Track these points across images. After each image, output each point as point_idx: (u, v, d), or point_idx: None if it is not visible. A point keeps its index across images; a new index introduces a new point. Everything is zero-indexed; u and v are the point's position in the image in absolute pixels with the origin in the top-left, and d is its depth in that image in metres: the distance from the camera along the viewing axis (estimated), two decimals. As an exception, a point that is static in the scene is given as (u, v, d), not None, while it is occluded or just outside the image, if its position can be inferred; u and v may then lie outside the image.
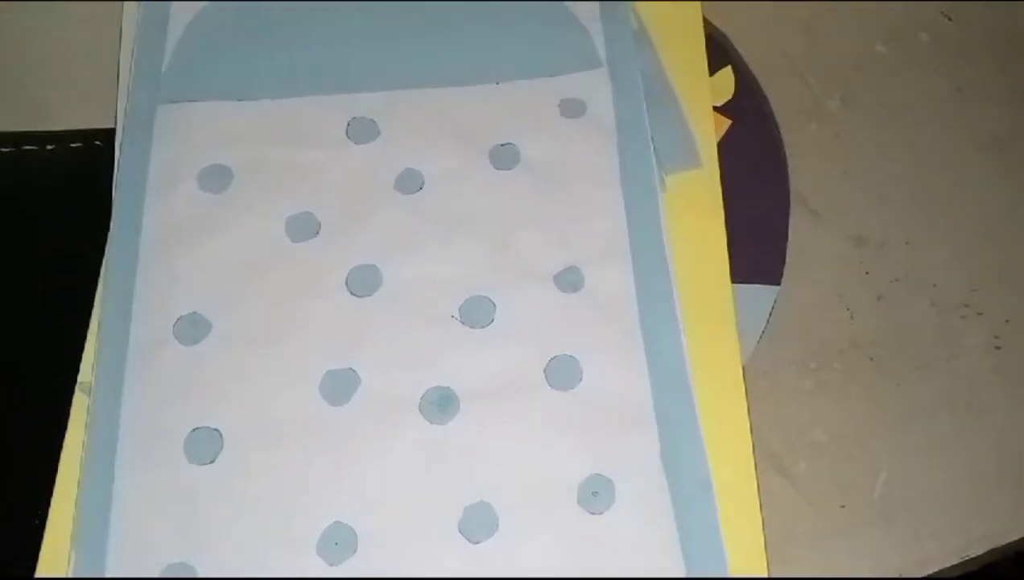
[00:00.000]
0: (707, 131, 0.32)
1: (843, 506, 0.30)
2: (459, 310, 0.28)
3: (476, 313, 0.28)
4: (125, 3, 0.33)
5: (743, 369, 0.29)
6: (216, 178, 0.30)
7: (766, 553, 0.26)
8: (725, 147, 0.32)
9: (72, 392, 0.27)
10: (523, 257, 0.29)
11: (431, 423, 0.27)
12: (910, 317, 0.33)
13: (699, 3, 0.34)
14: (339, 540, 0.25)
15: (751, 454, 0.27)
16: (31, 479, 0.26)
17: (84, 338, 0.28)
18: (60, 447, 0.27)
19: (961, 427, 0.32)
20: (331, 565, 0.25)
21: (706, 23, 0.34)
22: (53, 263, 0.30)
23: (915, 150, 0.37)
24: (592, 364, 0.28)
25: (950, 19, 0.39)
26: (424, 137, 0.31)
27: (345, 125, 0.31)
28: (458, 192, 0.30)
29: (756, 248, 0.31)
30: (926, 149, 0.37)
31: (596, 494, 0.26)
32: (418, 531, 0.26)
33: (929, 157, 0.36)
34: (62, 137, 0.32)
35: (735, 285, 0.29)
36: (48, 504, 0.26)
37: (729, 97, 0.34)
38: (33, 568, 0.25)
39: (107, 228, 0.29)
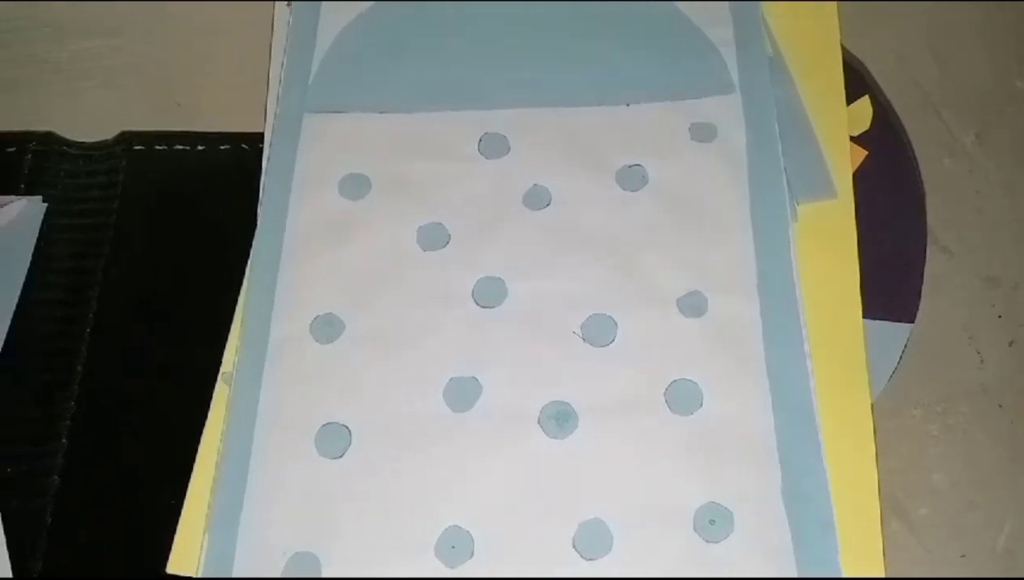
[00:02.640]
0: (842, 161, 0.31)
1: (963, 556, 0.29)
2: (581, 327, 0.29)
3: (598, 331, 0.29)
4: (275, 11, 0.35)
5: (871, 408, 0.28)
6: (355, 186, 0.31)
7: (886, 598, 0.25)
8: (860, 178, 0.31)
9: (213, 381, 0.29)
10: (647, 279, 0.30)
11: (549, 437, 0.27)
12: (1043, 364, 0.32)
13: (838, 31, 0.33)
14: (456, 543, 0.26)
15: (877, 498, 0.26)
16: (172, 461, 0.28)
17: (228, 331, 0.29)
18: (200, 434, 0.28)
19: (1095, 484, 0.30)
20: (449, 567, 0.26)
21: (844, 51, 0.33)
22: (200, 259, 0.32)
23: (1053, 190, 0.35)
24: (713, 391, 0.28)
25: (1097, 55, 0.38)
26: (553, 155, 0.32)
27: (477, 140, 0.32)
28: (584, 211, 0.31)
29: (890, 283, 0.31)
30: (1065, 190, 0.35)
31: (713, 522, 0.26)
32: (533, 542, 0.26)
33: (1069, 199, 0.35)
34: (212, 139, 0.34)
35: (867, 321, 0.29)
36: (186, 486, 0.27)
37: (866, 128, 0.33)
38: (168, 548, 0.27)
39: (252, 228, 0.31)
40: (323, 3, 0.34)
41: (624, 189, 0.31)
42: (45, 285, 0.31)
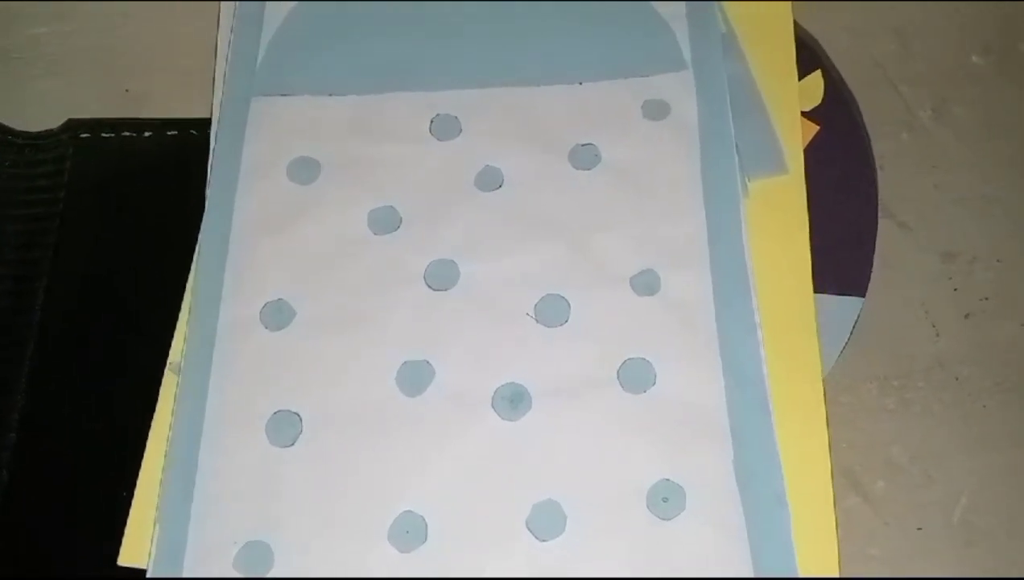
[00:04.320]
0: (794, 137, 0.31)
1: (920, 528, 0.29)
2: (534, 308, 0.29)
3: (551, 312, 0.29)
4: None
5: (823, 382, 0.28)
6: (304, 170, 0.31)
7: (839, 572, 0.25)
8: (812, 154, 0.31)
9: (162, 371, 0.28)
10: (600, 258, 0.29)
11: (502, 419, 0.27)
12: (998, 337, 0.32)
13: (790, 5, 0.33)
14: (410, 529, 0.26)
15: (829, 470, 0.26)
16: (121, 452, 0.27)
17: (176, 319, 0.29)
18: (149, 424, 0.28)
19: (1051, 454, 0.30)
20: (402, 552, 0.26)
21: (796, 26, 0.33)
22: (148, 247, 0.31)
23: (1009, 165, 0.35)
24: (666, 368, 0.28)
25: (1054, 29, 0.38)
26: (505, 135, 0.31)
27: (429, 122, 0.32)
28: (537, 191, 0.31)
29: (841, 258, 0.31)
30: (1021, 164, 0.35)
31: (666, 500, 0.26)
32: (487, 525, 0.26)
33: (1023, 173, 0.35)
34: (159, 125, 0.34)
35: (818, 295, 0.29)
36: (136, 477, 0.27)
37: (818, 103, 0.33)
38: (120, 539, 0.26)
39: (200, 214, 0.30)
40: (271, -13, 0.34)
41: (576, 168, 0.31)
42: (-10, 277, 0.31)
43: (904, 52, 0.37)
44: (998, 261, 0.33)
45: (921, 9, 0.38)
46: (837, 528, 0.26)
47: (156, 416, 0.28)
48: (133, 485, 0.27)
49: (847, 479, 0.30)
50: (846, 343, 0.30)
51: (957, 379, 0.31)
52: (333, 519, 0.26)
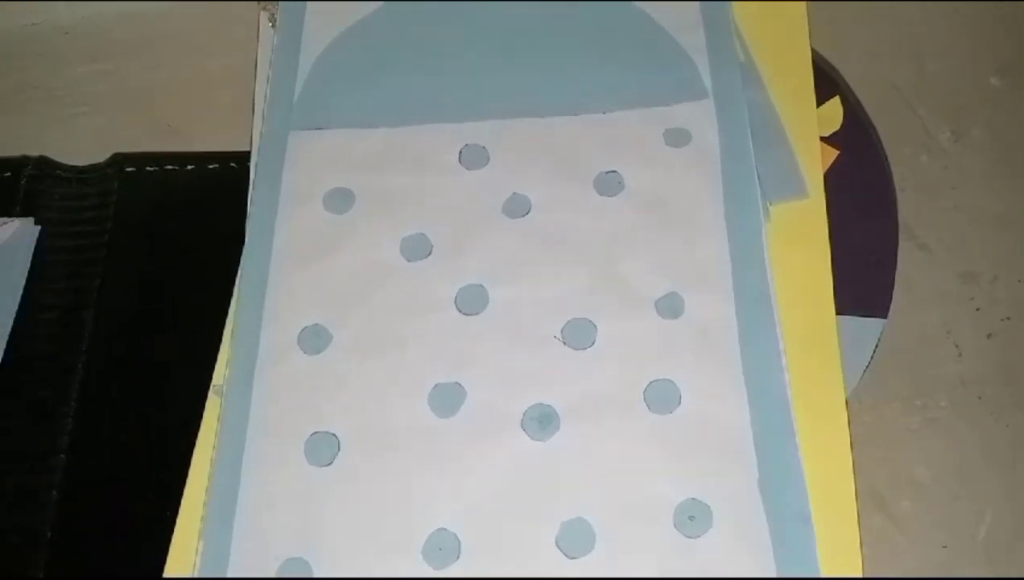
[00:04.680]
0: (814, 162, 0.32)
1: (945, 547, 0.30)
2: (561, 331, 0.30)
3: (578, 335, 0.29)
4: (260, 32, 0.36)
5: (847, 402, 0.28)
6: (339, 200, 0.32)
7: (865, 589, 0.26)
8: (832, 178, 0.32)
9: (206, 394, 0.30)
10: (625, 282, 0.30)
11: (532, 439, 0.28)
12: (1020, 356, 0.32)
13: (807, 34, 0.34)
14: (443, 546, 0.27)
15: (853, 489, 0.27)
16: (166, 473, 0.29)
17: (219, 344, 0.30)
18: (193, 445, 0.29)
19: (1075, 472, 0.30)
20: (436, 569, 0.26)
21: (814, 53, 0.34)
22: (191, 276, 0.33)
23: (1029, 185, 0.36)
24: (690, 389, 0.28)
25: (1070, 50, 0.38)
26: (532, 164, 0.32)
27: (458, 152, 0.33)
28: (563, 217, 0.31)
29: (863, 279, 0.31)
30: (1041, 184, 0.36)
31: (692, 518, 0.27)
32: (517, 543, 0.27)
33: (1045, 193, 0.35)
34: (201, 158, 0.35)
35: (840, 317, 0.29)
36: (180, 496, 0.28)
37: (837, 128, 0.34)
38: (165, 555, 0.28)
39: (241, 244, 0.31)
40: (306, 23, 0.35)
41: (601, 195, 0.32)
42: (41, 306, 0.32)
43: (922, 75, 0.38)
44: (1019, 281, 0.34)
45: (939, 32, 0.39)
46: (861, 546, 0.26)
47: (200, 438, 0.29)
48: (178, 504, 0.28)
49: (872, 498, 0.30)
50: (868, 364, 0.30)
51: (980, 398, 0.32)
52: (368, 536, 0.27)
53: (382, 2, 0.36)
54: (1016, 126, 0.37)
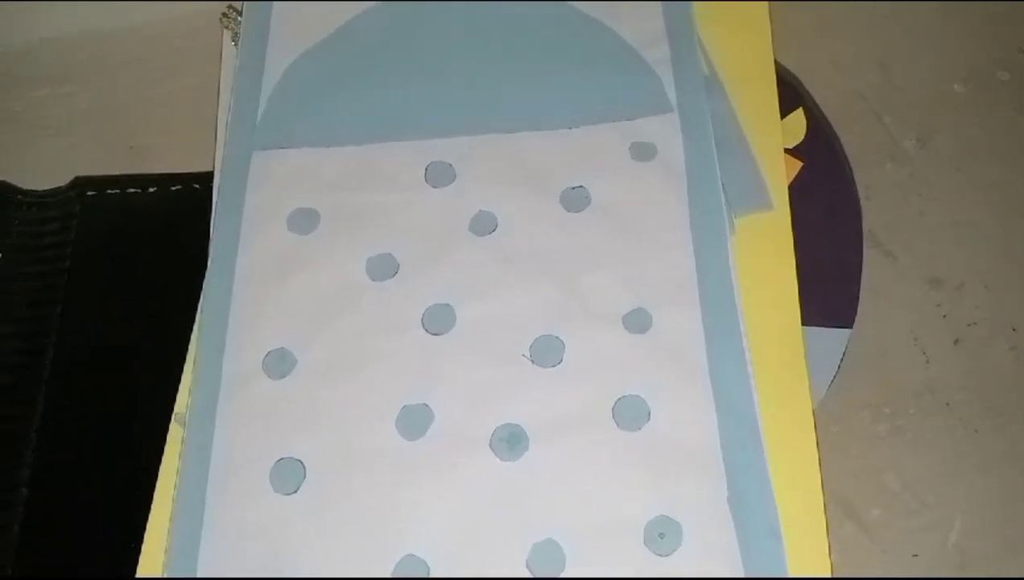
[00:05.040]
0: (778, 173, 0.32)
1: (916, 555, 0.30)
2: (529, 349, 0.29)
3: (546, 352, 0.29)
4: (223, 51, 0.35)
5: (814, 413, 0.28)
6: (304, 220, 0.32)
7: (835, 601, 0.26)
8: (796, 189, 0.32)
9: (168, 423, 0.29)
10: (592, 298, 0.30)
11: (501, 460, 0.28)
12: (988, 361, 0.33)
13: (771, 47, 0.34)
14: (412, 572, 0.26)
15: (821, 501, 0.27)
16: (129, 505, 0.28)
17: (181, 371, 0.30)
18: (156, 476, 0.28)
19: (1043, 477, 0.31)
20: (405, 595, 0.26)
21: (778, 65, 0.34)
22: (155, 299, 0.32)
23: (993, 190, 0.36)
24: (659, 405, 0.28)
25: (1032, 56, 0.39)
26: (498, 181, 0.32)
27: (423, 169, 0.33)
28: (530, 234, 0.31)
29: (828, 291, 0.31)
30: (1004, 189, 0.36)
31: (662, 536, 0.26)
32: (488, 565, 0.26)
33: (1007, 198, 0.36)
34: (163, 180, 0.35)
35: (806, 328, 0.29)
36: (144, 530, 0.28)
37: (800, 139, 0.34)
38: (131, 585, 0.27)
39: (204, 266, 0.31)
40: (269, 41, 0.35)
41: (568, 210, 0.32)
42: (1, 335, 0.32)
43: (887, 83, 0.38)
44: (985, 286, 0.34)
45: (903, 40, 0.39)
46: (831, 556, 0.26)
47: (163, 468, 0.28)
48: (141, 537, 0.28)
49: (842, 507, 0.30)
50: (835, 374, 0.31)
51: (948, 404, 0.32)
52: (336, 565, 0.27)
53: (346, 20, 0.35)
54: (980, 132, 0.37)
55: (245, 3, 0.36)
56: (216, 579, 0.26)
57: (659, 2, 0.35)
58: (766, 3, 0.35)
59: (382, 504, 0.27)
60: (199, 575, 0.26)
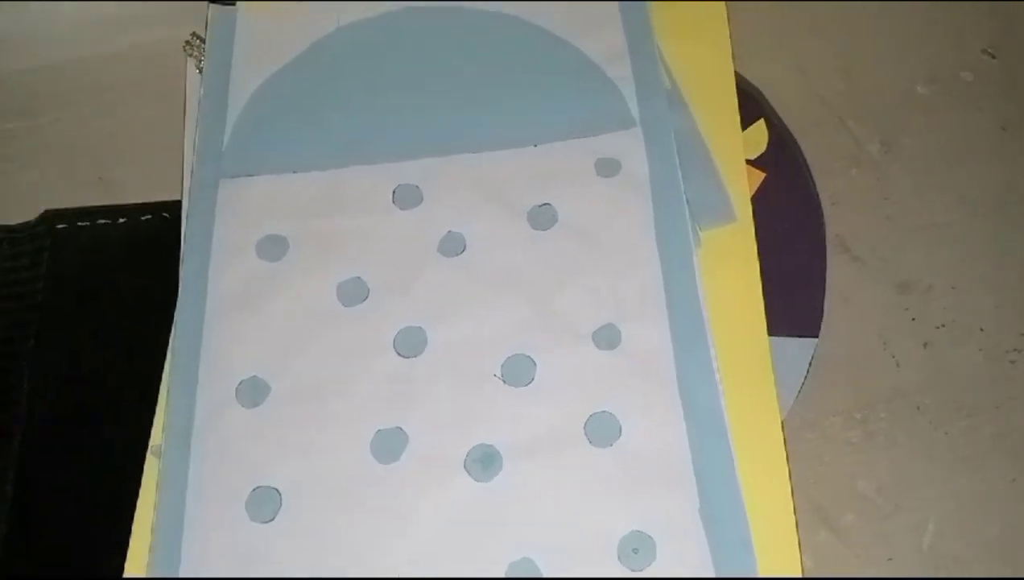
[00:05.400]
0: (741, 186, 0.32)
1: (890, 559, 0.30)
2: (501, 369, 0.30)
3: (517, 372, 0.29)
4: (187, 80, 0.35)
5: (783, 422, 0.29)
6: (273, 248, 0.32)
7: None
8: (760, 200, 0.32)
9: (144, 455, 0.29)
10: (561, 316, 0.30)
11: (475, 481, 0.28)
12: (957, 363, 0.33)
13: (731, 60, 0.35)
14: (390, 596, 0.27)
15: (792, 509, 0.27)
16: (107, 539, 0.28)
17: (155, 402, 0.30)
18: (134, 509, 0.28)
19: (1012, 476, 0.31)
20: (383, 620, 0.26)
21: (738, 77, 0.35)
22: (127, 330, 0.32)
23: (959, 192, 0.36)
24: (630, 420, 0.28)
25: (993, 57, 0.39)
26: (465, 201, 0.33)
27: (391, 192, 0.33)
28: (498, 253, 0.32)
29: (794, 300, 0.32)
30: (970, 191, 0.36)
31: (636, 551, 0.27)
32: (465, 587, 0.27)
33: (974, 199, 0.36)
34: (133, 211, 0.35)
35: (773, 338, 0.30)
36: (123, 562, 0.28)
37: (763, 150, 0.35)
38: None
39: (175, 296, 0.31)
40: (233, 69, 0.35)
41: (535, 229, 0.32)
42: (-27, 372, 0.32)
43: (850, 88, 0.39)
44: (953, 288, 0.34)
45: (865, 44, 0.40)
46: (802, 565, 0.27)
47: (140, 500, 0.28)
48: (121, 570, 0.28)
49: (816, 514, 0.30)
50: (803, 383, 0.31)
51: (919, 408, 0.32)
52: (315, 591, 0.27)
53: (309, 45, 0.36)
54: (944, 134, 0.38)
55: (207, 31, 0.36)
56: (194, 611, 0.26)
57: (616, 3, 0.35)
58: (723, 7, 0.35)
59: (358, 529, 0.27)
60: (177, 607, 0.27)
